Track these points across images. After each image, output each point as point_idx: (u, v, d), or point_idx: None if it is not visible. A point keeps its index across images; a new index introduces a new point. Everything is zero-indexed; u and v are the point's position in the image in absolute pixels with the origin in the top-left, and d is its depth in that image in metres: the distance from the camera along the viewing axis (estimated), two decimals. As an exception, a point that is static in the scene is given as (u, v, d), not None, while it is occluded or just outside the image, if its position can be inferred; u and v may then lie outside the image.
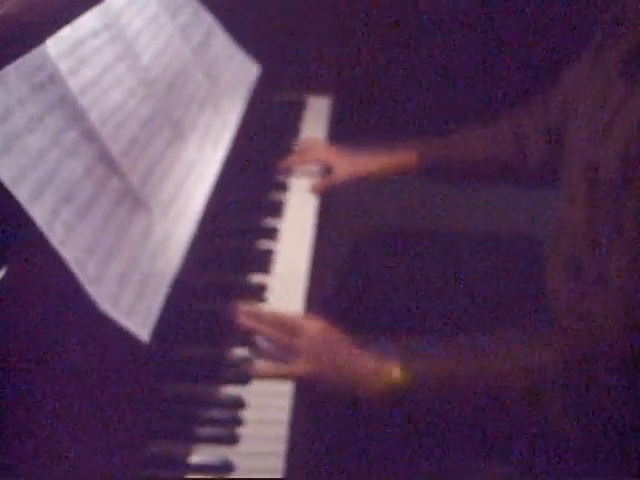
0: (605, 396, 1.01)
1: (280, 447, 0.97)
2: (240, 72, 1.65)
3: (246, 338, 1.14)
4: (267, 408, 1.03)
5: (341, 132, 1.77)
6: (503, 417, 1.08)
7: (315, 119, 1.86)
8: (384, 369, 1.07)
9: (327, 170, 1.60)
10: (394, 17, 2.02)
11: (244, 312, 1.16)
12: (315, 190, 1.55)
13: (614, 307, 0.99)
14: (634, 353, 0.99)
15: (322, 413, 1.18)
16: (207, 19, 1.60)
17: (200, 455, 0.96)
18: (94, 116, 1.02)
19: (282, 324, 1.14)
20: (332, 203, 1.60)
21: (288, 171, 1.61)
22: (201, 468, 0.94)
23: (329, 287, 1.46)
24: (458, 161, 1.54)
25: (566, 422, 1.03)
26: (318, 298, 1.29)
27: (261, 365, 1.10)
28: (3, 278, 0.81)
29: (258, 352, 1.12)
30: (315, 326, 1.14)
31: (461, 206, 2.00)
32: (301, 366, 1.09)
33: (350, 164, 1.59)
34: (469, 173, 1.54)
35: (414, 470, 1.17)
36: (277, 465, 0.94)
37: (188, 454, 0.96)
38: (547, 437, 1.08)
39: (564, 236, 1.16)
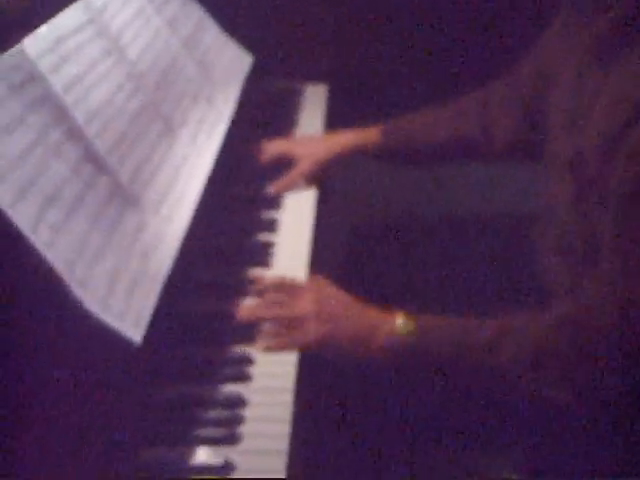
0: (601, 372, 0.99)
1: (282, 445, 0.94)
2: (233, 63, 1.62)
3: (244, 335, 1.12)
4: (268, 405, 1.01)
5: (339, 119, 1.74)
6: (504, 416, 1.07)
7: (312, 107, 1.83)
8: (389, 318, 1.06)
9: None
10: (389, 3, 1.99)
11: (244, 308, 1.15)
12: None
13: (605, 285, 0.98)
14: (630, 332, 0.96)
15: (324, 409, 1.16)
16: (196, 11, 1.58)
17: (201, 456, 0.94)
18: (79, 114, 1.00)
19: (282, 289, 1.15)
20: (330, 193, 1.57)
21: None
22: (202, 469, 0.92)
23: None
24: (422, 140, 1.50)
25: (562, 395, 1.00)
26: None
27: (267, 341, 1.09)
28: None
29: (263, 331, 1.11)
30: (314, 286, 1.15)
31: (455, 190, 1.97)
32: (307, 333, 1.08)
33: (312, 151, 1.52)
34: (433, 152, 1.51)
35: (415, 466, 1.15)
36: (279, 464, 0.92)
37: (189, 456, 0.94)
38: (548, 434, 1.07)
39: (553, 214, 1.14)
